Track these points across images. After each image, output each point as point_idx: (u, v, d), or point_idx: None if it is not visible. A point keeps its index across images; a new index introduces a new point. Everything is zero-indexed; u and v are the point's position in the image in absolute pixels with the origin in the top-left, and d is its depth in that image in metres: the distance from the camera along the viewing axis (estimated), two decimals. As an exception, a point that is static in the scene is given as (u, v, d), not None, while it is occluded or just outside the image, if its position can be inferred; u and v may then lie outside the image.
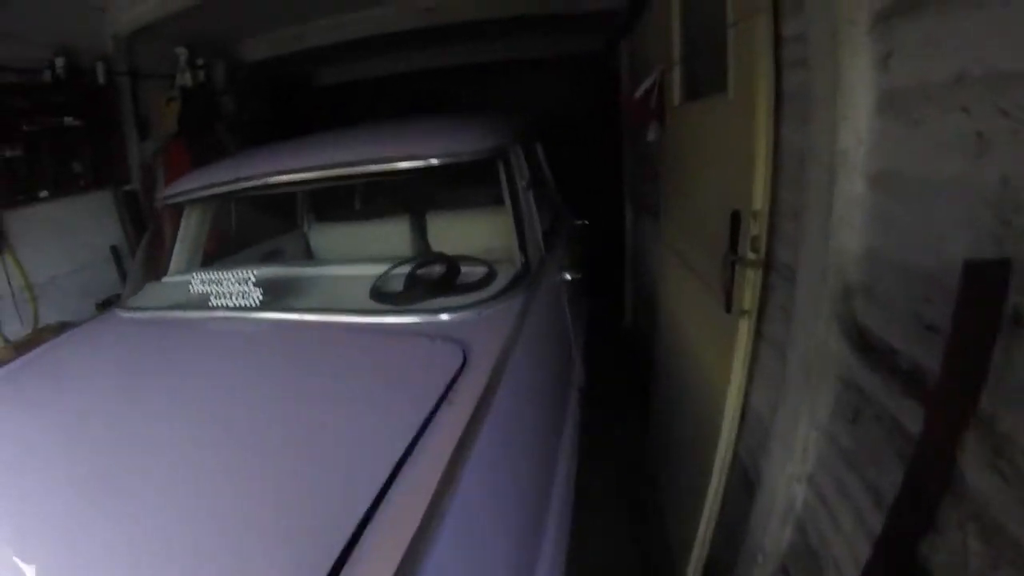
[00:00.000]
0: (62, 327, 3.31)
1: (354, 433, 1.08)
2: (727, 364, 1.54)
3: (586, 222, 3.28)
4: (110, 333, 1.94)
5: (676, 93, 2.19)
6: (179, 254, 2.39)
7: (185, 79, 4.57)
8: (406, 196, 3.07)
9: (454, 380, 1.18)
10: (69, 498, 1.02)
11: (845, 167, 0.97)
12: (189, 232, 2.42)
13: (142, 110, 4.43)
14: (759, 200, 1.34)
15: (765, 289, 1.39)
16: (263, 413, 1.20)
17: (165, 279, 2.29)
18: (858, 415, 1.01)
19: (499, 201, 1.99)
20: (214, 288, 1.79)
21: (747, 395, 1.55)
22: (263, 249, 2.93)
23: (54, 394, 1.53)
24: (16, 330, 3.48)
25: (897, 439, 0.88)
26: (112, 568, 0.85)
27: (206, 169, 2.36)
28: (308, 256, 3.24)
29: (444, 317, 1.51)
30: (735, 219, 1.42)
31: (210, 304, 1.78)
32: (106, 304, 2.13)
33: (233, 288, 1.76)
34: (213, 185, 2.10)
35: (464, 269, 1.77)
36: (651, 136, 2.52)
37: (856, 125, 0.96)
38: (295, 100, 6.26)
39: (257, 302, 1.72)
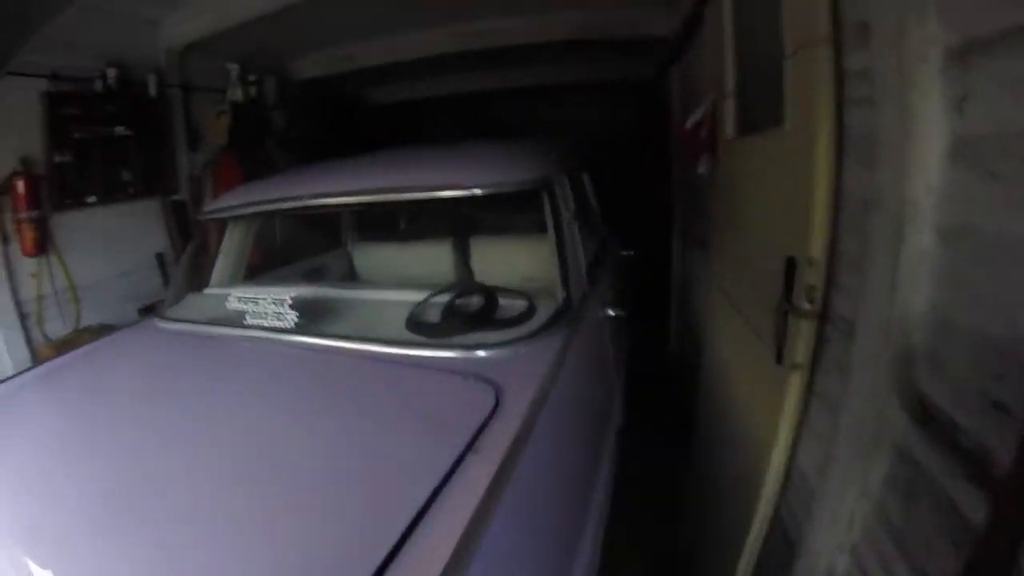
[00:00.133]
0: (102, 329, 3.44)
1: (370, 479, 1.04)
2: (774, 417, 1.44)
3: (632, 253, 3.19)
4: (145, 343, 1.98)
5: (729, 126, 2.10)
6: (222, 266, 2.43)
7: (236, 94, 4.72)
8: (451, 220, 3.06)
9: (484, 426, 1.13)
10: (71, 505, 1.05)
11: (913, 218, 0.88)
12: (233, 245, 2.46)
13: (193, 122, 4.59)
14: (817, 247, 1.24)
15: (820, 342, 1.29)
16: (276, 446, 1.18)
17: (206, 291, 2.32)
18: (912, 490, 0.92)
19: (544, 229, 1.95)
20: (250, 307, 1.80)
21: (793, 451, 1.44)
22: (306, 266, 2.96)
23: (83, 398, 1.59)
24: (57, 329, 3.63)
25: (953, 524, 0.79)
26: None
27: (251, 185, 2.40)
28: (351, 275, 3.26)
29: (480, 354, 1.46)
30: (790, 266, 1.33)
31: (245, 323, 1.79)
32: (147, 310, 2.20)
33: (269, 308, 1.76)
34: (254, 203, 2.12)
35: (503, 302, 1.72)
36: (702, 169, 2.43)
37: (926, 173, 0.87)
38: (346, 118, 6.39)
39: (292, 324, 1.72)
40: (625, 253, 3.13)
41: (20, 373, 1.87)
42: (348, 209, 2.46)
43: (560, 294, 1.75)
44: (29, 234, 3.42)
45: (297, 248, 3.10)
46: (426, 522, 0.87)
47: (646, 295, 3.72)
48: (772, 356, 1.41)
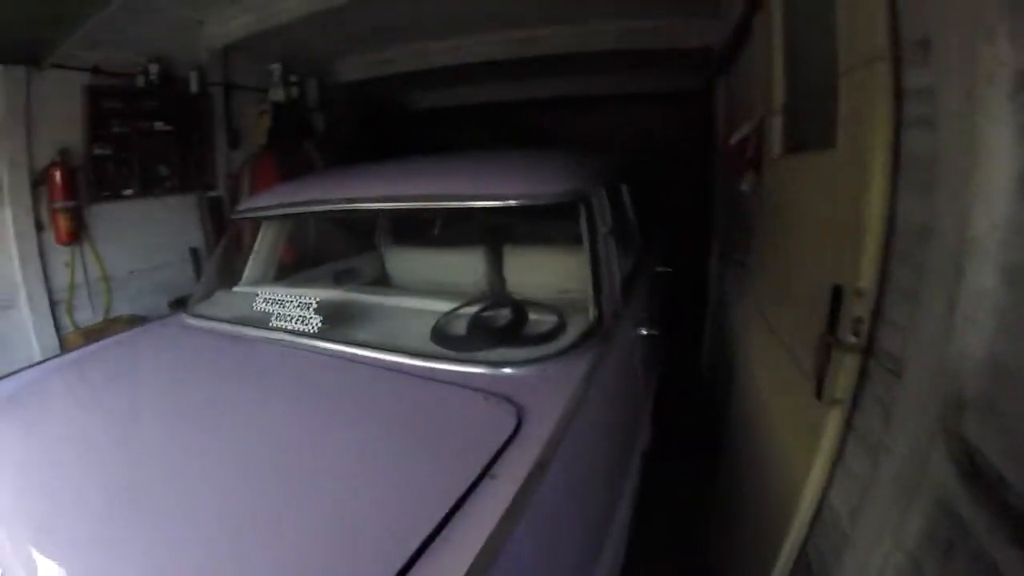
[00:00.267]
0: (132, 320, 3.53)
1: (380, 499, 1.00)
2: (808, 453, 1.36)
3: (670, 269, 3.11)
4: (169, 338, 2.00)
5: (776, 143, 2.02)
6: (253, 265, 2.45)
7: (278, 94, 4.80)
8: (486, 228, 3.03)
9: (502, 449, 1.08)
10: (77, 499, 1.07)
11: (975, 255, 0.80)
12: (265, 244, 2.48)
13: (233, 121, 4.68)
14: (866, 277, 1.16)
15: (863, 377, 1.21)
16: (284, 457, 1.16)
17: (236, 288, 2.34)
18: (951, 549, 0.84)
19: (579, 241, 1.90)
20: (276, 309, 1.80)
21: (826, 490, 1.36)
22: (339, 267, 2.96)
23: (96, 394, 1.64)
24: (87, 318, 3.74)
25: (995, 591, 0.71)
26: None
27: (285, 185, 2.41)
28: (383, 278, 3.25)
29: (506, 371, 1.42)
30: (836, 295, 1.25)
31: (270, 324, 1.79)
32: (178, 303, 2.23)
33: (294, 312, 1.75)
34: (286, 204, 2.12)
35: (533, 317, 1.67)
36: (745, 187, 2.34)
37: (991, 205, 0.79)
38: (387, 122, 6.44)
39: (315, 329, 1.71)
40: (661, 270, 3.04)
41: (42, 361, 1.93)
42: (379, 214, 2.45)
43: (592, 312, 1.69)
44: (64, 223, 3.54)
45: (332, 249, 3.11)
46: (432, 552, 0.83)
47: (681, 313, 3.61)
48: (810, 388, 1.33)
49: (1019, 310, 0.76)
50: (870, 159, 1.16)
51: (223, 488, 1.06)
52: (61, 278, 3.64)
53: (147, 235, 4.11)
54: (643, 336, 1.99)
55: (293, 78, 4.95)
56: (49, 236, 3.56)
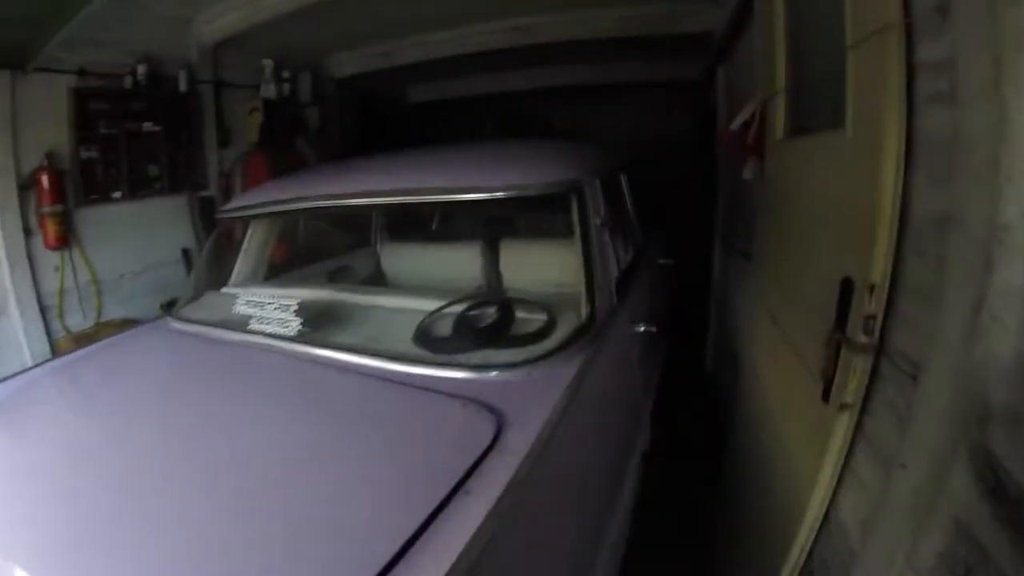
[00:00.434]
0: (123, 323, 3.48)
1: (345, 516, 0.92)
2: (815, 459, 1.27)
3: (671, 261, 3.01)
4: (154, 343, 1.95)
5: (779, 126, 1.90)
6: (243, 264, 2.39)
7: (269, 91, 4.72)
8: (480, 222, 2.95)
9: (479, 461, 0.99)
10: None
11: (1005, 247, 0.71)
12: (254, 243, 2.42)
13: (224, 119, 4.61)
14: (878, 270, 1.05)
15: (874, 380, 1.11)
16: (248, 470, 1.08)
17: (224, 289, 2.27)
18: (970, 574, 0.75)
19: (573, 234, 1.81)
20: (256, 311, 1.74)
21: (833, 500, 1.27)
22: (332, 265, 2.89)
23: (86, 395, 1.65)
24: (78, 322, 3.70)
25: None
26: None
27: (272, 184, 2.35)
28: (378, 275, 3.17)
29: (489, 375, 1.33)
30: (846, 289, 1.15)
31: (249, 328, 1.72)
32: (169, 305, 2.18)
33: (273, 314, 1.69)
34: (271, 203, 2.05)
35: (521, 315, 1.57)
36: (747, 174, 2.24)
37: (1023, 192, 0.69)
38: (384, 116, 6.36)
39: (295, 332, 1.64)
40: (663, 262, 2.95)
41: (31, 368, 1.89)
42: (365, 211, 2.38)
43: (584, 308, 1.60)
44: (52, 228, 3.49)
45: (325, 246, 3.04)
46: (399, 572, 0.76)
47: (684, 306, 3.50)
48: (818, 389, 1.24)
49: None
50: (881, 140, 1.05)
51: (164, 500, 1.02)
52: (51, 283, 3.60)
53: (137, 237, 4.06)
54: (642, 333, 1.90)
55: (285, 74, 4.87)
56: (38, 241, 3.52)
